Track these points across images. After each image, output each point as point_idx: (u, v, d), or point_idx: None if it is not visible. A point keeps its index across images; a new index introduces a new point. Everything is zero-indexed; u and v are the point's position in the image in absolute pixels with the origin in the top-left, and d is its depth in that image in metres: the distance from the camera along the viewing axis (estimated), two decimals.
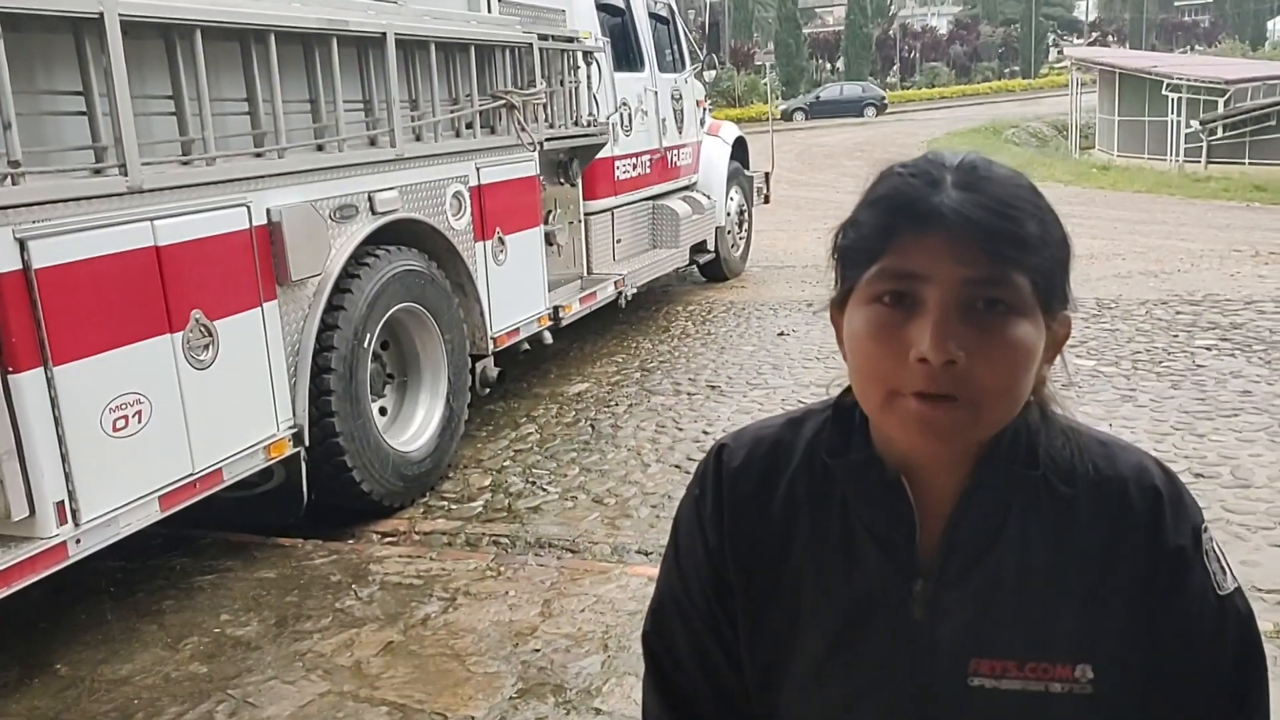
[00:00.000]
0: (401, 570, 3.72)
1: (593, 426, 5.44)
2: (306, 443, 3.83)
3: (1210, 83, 21.90)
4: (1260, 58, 41.91)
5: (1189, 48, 60.41)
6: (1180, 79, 22.31)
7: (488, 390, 5.26)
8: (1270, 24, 66.54)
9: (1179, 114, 22.03)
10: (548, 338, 5.87)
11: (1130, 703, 0.92)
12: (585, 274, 6.92)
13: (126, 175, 3.06)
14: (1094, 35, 71.70)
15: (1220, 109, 21.13)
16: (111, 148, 3.08)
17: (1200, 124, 21.00)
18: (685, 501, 1.09)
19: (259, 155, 3.73)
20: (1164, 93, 22.46)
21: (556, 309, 5.95)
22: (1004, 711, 0.92)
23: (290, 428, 3.76)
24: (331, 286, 3.96)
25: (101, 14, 2.97)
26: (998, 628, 0.92)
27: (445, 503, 4.52)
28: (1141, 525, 0.93)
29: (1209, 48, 57.01)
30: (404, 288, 4.39)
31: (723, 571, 1.03)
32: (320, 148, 4.05)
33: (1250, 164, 19.63)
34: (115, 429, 3.01)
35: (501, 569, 3.67)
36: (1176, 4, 72.64)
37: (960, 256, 0.86)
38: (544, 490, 4.60)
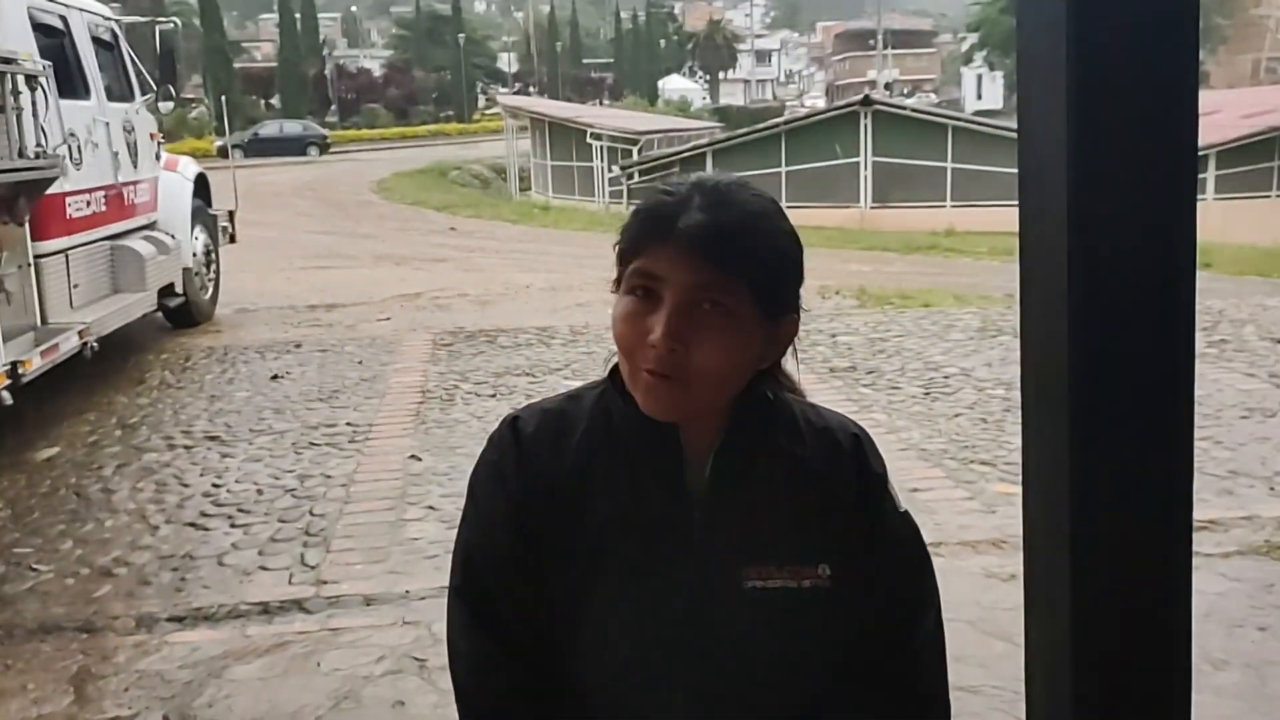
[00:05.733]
0: None
1: (78, 494, 4.85)
2: None
3: (625, 133, 24.84)
4: (656, 112, 48.26)
5: (598, 101, 67.61)
6: (601, 129, 25.04)
7: None
8: (660, 83, 76.88)
9: (602, 160, 24.69)
10: (7, 398, 5.12)
11: (858, 593, 1.19)
12: (39, 324, 6.14)
13: None
14: (518, 85, 77.56)
15: (636, 156, 24.04)
16: None
17: (621, 170, 23.72)
18: (482, 469, 1.24)
19: None
20: (588, 141, 25.04)
21: (15, 365, 5.22)
22: (772, 605, 1.15)
23: None
24: None
25: None
26: (760, 541, 1.16)
27: None
28: (850, 458, 1.21)
29: (615, 101, 64.41)
30: None
31: (528, 521, 1.18)
32: None
33: None
34: None
35: (9, 662, 3.17)
36: (585, 61, 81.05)
37: (691, 265, 1.06)
38: (34, 570, 4.02)
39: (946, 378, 6.49)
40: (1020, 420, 0.82)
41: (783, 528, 1.17)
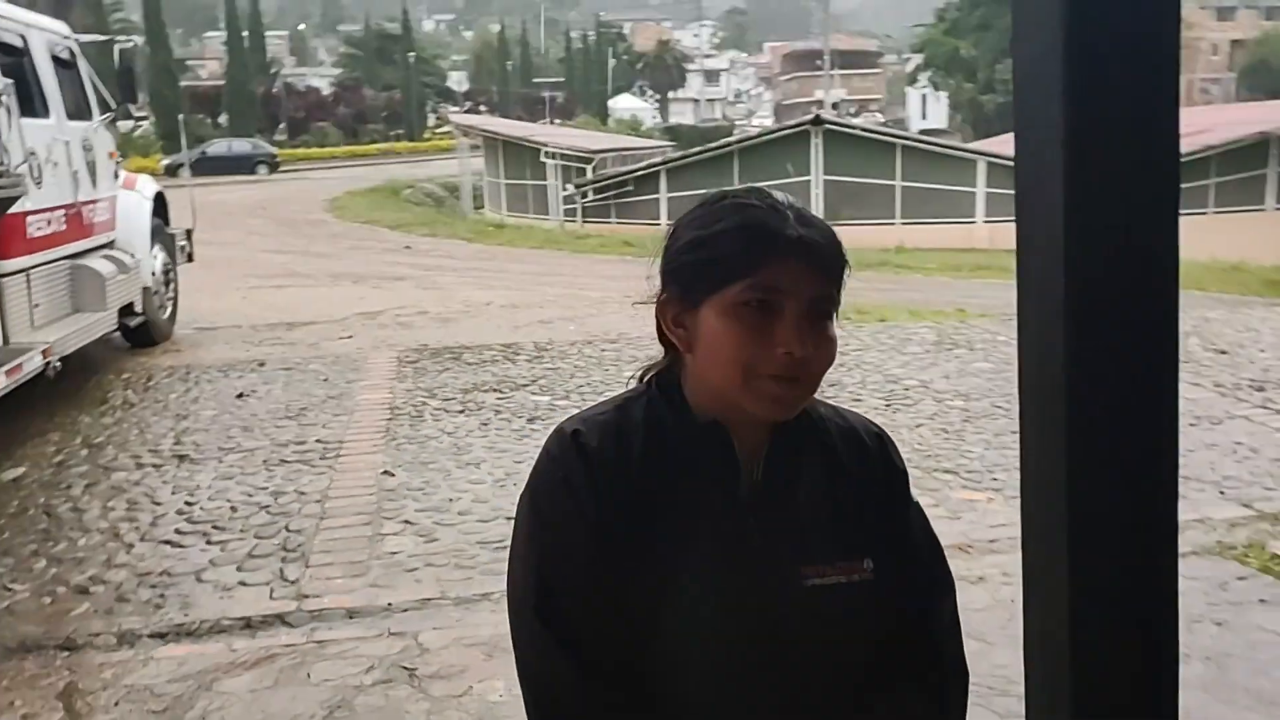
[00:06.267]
0: None
1: (48, 513, 4.82)
2: None
3: (579, 152, 24.95)
4: (608, 131, 48.47)
5: (549, 119, 67.61)
6: (555, 148, 25.14)
7: None
8: (611, 102, 77.21)
9: (556, 178, 24.77)
10: None
11: (894, 582, 1.26)
12: (2, 343, 6.09)
13: None
14: (468, 104, 77.38)
15: (590, 175, 24.16)
16: None
17: (576, 188, 23.82)
18: (548, 485, 1.24)
19: None
20: (542, 159, 25.12)
21: None
22: (828, 601, 1.21)
23: None
24: None
25: None
26: (813, 540, 1.22)
27: None
28: (877, 455, 1.30)
29: (567, 120, 64.45)
30: None
31: (604, 534, 1.19)
32: None
33: (617, 223, 22.72)
34: None
35: None
36: (535, 80, 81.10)
37: (812, 277, 1.15)
38: (9, 590, 4.01)
39: (906, 390, 6.65)
40: (1018, 426, 0.88)
41: (829, 525, 1.24)
